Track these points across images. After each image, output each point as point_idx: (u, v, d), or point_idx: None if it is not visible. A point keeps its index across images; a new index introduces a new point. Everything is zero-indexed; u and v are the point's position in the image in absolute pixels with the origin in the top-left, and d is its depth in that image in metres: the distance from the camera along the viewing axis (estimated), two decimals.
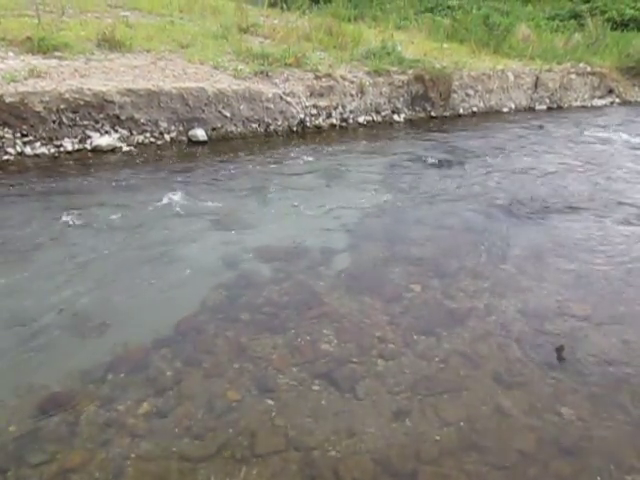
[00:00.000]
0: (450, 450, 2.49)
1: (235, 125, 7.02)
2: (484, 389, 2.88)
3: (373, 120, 8.46)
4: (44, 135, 5.78)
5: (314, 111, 7.73)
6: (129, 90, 6.18)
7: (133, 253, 4.00)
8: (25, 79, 5.81)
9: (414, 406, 2.74)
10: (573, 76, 11.44)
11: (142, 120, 6.32)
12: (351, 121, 8.18)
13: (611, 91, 12.18)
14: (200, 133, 6.64)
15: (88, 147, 5.96)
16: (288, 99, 7.39)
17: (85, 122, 5.97)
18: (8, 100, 5.48)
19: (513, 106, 10.48)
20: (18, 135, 5.63)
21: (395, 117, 8.72)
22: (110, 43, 7.39)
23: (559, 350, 3.18)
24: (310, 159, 6.43)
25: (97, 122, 6.05)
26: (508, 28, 11.92)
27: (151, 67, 7.02)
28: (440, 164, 6.63)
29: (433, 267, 4.12)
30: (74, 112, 5.86)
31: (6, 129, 5.55)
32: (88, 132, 6.01)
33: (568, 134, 8.65)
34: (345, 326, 3.34)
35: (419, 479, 2.37)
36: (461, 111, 9.62)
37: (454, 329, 3.37)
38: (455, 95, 9.43)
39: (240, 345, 3.10)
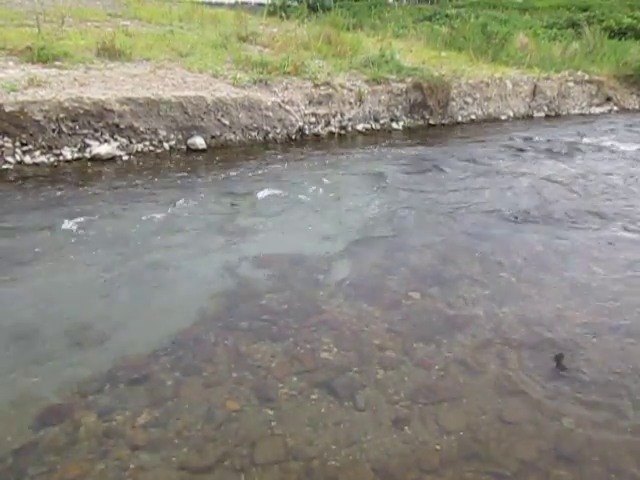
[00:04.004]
0: (451, 459, 2.48)
1: (234, 133, 7.05)
2: (484, 397, 2.87)
3: (372, 128, 8.50)
4: (43, 144, 5.79)
5: (313, 119, 7.76)
6: (128, 99, 6.20)
7: (132, 262, 3.99)
8: (25, 88, 5.84)
9: (414, 415, 2.73)
10: (571, 84, 11.51)
11: (141, 129, 6.34)
12: (350, 129, 8.21)
13: (609, 99, 12.25)
14: (199, 141, 6.66)
15: (87, 156, 5.97)
16: (287, 107, 7.42)
17: (84, 131, 5.99)
18: (8, 109, 5.50)
19: (511, 114, 10.52)
20: (18, 144, 5.65)
21: (394, 125, 8.76)
22: (110, 52, 7.44)
23: (559, 358, 3.17)
24: (309, 166, 6.44)
25: (96, 131, 6.07)
26: (506, 36, 12.02)
27: (150, 76, 7.05)
28: (438, 172, 6.64)
29: (432, 274, 4.13)
30: (73, 121, 5.88)
31: (6, 138, 5.57)
32: (87, 141, 6.03)
33: (567, 142, 8.67)
34: (344, 334, 3.34)
35: None
36: (459, 119, 9.66)
37: (454, 337, 3.36)
38: (453, 103, 9.47)
39: (239, 354, 3.10)
